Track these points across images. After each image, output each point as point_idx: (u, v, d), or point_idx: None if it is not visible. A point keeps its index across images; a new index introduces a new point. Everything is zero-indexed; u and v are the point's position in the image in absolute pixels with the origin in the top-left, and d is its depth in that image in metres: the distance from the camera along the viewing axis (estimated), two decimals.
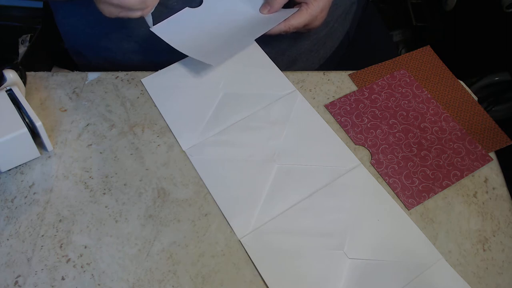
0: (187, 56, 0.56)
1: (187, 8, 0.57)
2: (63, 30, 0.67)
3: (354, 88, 0.56)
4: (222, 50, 0.55)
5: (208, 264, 0.43)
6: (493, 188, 0.49)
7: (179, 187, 0.48)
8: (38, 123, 0.46)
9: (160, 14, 0.55)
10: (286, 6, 0.57)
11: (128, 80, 0.56)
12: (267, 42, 0.60)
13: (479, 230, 0.46)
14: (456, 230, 0.46)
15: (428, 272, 0.43)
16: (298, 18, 0.55)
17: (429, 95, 0.55)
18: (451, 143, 0.51)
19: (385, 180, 0.49)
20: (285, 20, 0.55)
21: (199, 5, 0.57)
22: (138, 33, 0.60)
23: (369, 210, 0.46)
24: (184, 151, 0.50)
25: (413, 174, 0.49)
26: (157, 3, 0.50)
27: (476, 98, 0.55)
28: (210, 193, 0.47)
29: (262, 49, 0.58)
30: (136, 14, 0.50)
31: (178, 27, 0.56)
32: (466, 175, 0.49)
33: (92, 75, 0.56)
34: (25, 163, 0.49)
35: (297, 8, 0.56)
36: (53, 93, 0.54)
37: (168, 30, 0.55)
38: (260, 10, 0.57)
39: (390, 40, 0.91)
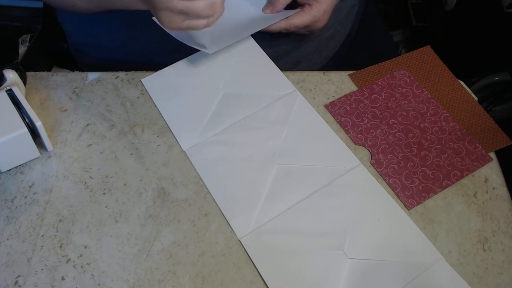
0: (187, 56, 0.56)
1: None
2: (67, 27, 0.67)
3: (354, 88, 0.56)
4: (218, 39, 0.54)
5: (208, 264, 0.43)
6: (493, 188, 0.49)
7: (179, 187, 0.48)
8: (38, 123, 0.46)
9: None
10: (289, 8, 0.57)
11: (128, 80, 0.56)
12: (271, 43, 0.60)
13: (479, 230, 0.46)
14: (456, 230, 0.46)
15: (428, 272, 0.43)
16: (300, 18, 0.55)
17: (429, 95, 0.55)
18: (451, 143, 0.51)
19: (385, 180, 0.49)
20: (286, 18, 0.55)
21: None
22: (145, 33, 0.59)
23: (369, 210, 0.46)
24: (184, 151, 0.50)
25: (413, 174, 0.49)
26: (223, 11, 0.46)
27: (476, 98, 0.55)
28: (210, 193, 0.47)
29: (266, 50, 0.58)
30: (201, 23, 0.46)
31: None
32: (466, 175, 0.49)
33: (92, 75, 0.56)
34: (25, 163, 0.49)
35: (300, 9, 0.56)
36: (53, 93, 0.54)
37: None
38: (263, 9, 0.57)
39: (390, 40, 0.91)
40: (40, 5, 1.00)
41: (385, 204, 0.47)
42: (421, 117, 0.53)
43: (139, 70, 0.57)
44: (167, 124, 0.52)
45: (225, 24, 0.56)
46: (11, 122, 0.45)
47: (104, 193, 0.47)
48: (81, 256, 0.44)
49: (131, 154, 0.50)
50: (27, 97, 0.53)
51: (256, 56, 0.57)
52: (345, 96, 0.55)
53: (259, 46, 0.58)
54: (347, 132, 0.52)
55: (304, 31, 0.58)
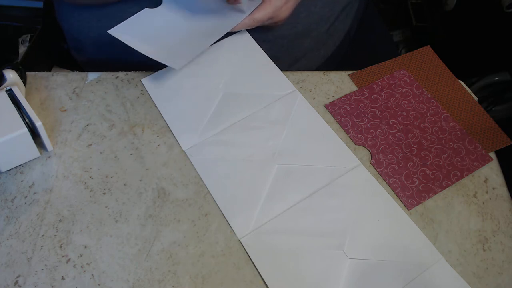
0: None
1: (146, 9, 0.55)
2: (67, 25, 0.67)
3: (354, 88, 0.56)
4: (185, 51, 0.53)
5: (208, 264, 0.43)
6: (493, 188, 0.49)
7: (179, 187, 0.48)
8: (38, 123, 0.46)
9: (120, 20, 0.54)
10: None
11: (128, 80, 0.56)
12: (269, 40, 0.60)
13: (479, 230, 0.46)
14: (456, 230, 0.46)
15: (428, 272, 0.43)
16: (262, 11, 0.54)
17: (429, 95, 0.55)
18: (451, 143, 0.51)
19: (385, 180, 0.49)
20: (249, 15, 0.54)
21: (158, 5, 0.56)
22: None
23: (369, 210, 0.46)
24: (184, 151, 0.50)
25: (413, 174, 0.49)
26: None
27: (476, 98, 0.55)
28: (210, 193, 0.47)
29: (264, 47, 0.57)
30: None
31: (138, 28, 0.54)
32: (466, 175, 0.49)
33: (92, 75, 0.56)
34: (25, 163, 0.49)
35: (261, 0, 0.55)
36: (53, 93, 0.55)
37: (127, 32, 0.53)
38: (227, 1, 0.55)
39: (390, 40, 0.91)
40: (40, 5, 1.00)
41: (385, 204, 0.47)
42: (421, 117, 0.53)
43: (139, 70, 0.57)
44: (167, 124, 0.52)
45: (189, 35, 0.55)
46: (11, 122, 0.45)
47: (104, 193, 0.47)
48: (81, 256, 0.44)
49: (131, 154, 0.50)
50: (27, 97, 0.53)
51: (256, 56, 0.57)
52: (345, 96, 0.55)
53: (259, 46, 0.58)
54: (347, 132, 0.52)
55: (269, 23, 0.57)
